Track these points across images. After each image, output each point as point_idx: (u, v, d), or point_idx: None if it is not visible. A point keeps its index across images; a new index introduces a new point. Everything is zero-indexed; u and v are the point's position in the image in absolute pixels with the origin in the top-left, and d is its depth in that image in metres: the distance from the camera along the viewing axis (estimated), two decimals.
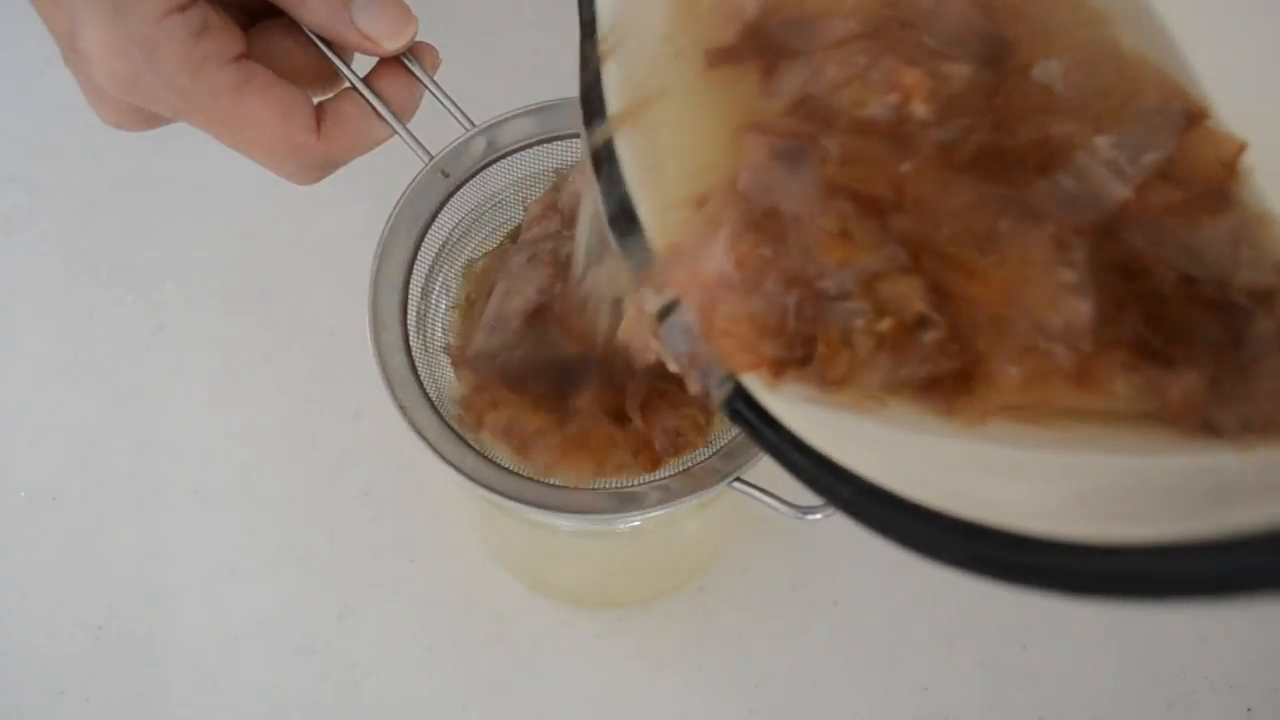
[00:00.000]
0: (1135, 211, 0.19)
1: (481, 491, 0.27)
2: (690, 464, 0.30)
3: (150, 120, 0.29)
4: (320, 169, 0.30)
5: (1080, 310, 0.18)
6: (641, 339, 0.27)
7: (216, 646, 0.40)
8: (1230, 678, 0.39)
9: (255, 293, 0.47)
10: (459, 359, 0.32)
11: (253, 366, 0.45)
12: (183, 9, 0.26)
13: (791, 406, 0.18)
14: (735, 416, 0.19)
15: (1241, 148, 0.19)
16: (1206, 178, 0.19)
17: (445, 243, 0.32)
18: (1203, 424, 0.18)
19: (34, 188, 0.50)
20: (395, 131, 0.30)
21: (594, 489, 0.29)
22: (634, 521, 0.31)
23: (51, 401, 0.45)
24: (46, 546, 0.42)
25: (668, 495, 0.27)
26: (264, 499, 0.43)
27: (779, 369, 0.18)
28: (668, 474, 0.29)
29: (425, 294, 0.32)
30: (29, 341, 0.46)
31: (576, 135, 0.32)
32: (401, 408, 0.28)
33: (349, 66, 0.29)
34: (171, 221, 0.49)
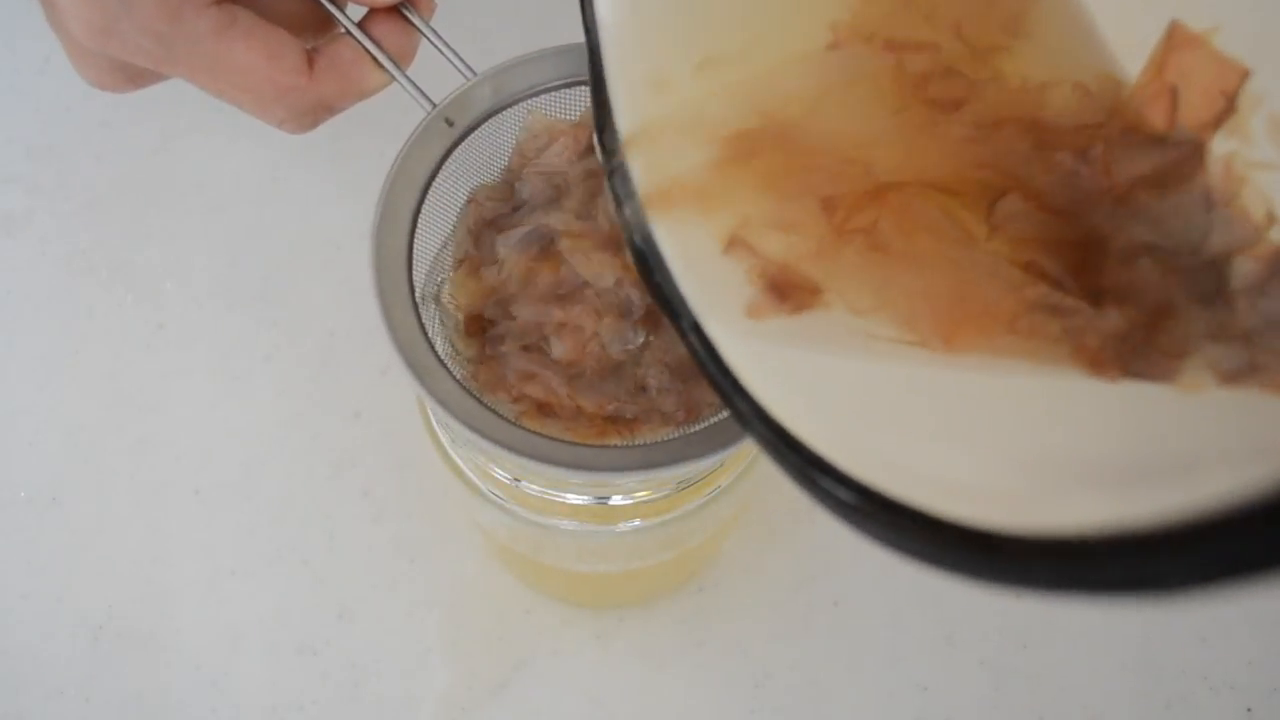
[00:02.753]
0: (1103, 189, 0.18)
1: (499, 450, 0.25)
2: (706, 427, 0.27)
3: (134, 77, 0.28)
4: (313, 114, 0.28)
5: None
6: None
7: (216, 646, 0.40)
8: (1230, 678, 0.39)
9: (255, 293, 0.47)
10: (466, 318, 0.30)
11: (253, 366, 0.45)
12: None
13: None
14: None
15: (1244, 74, 0.17)
16: (1204, 113, 0.18)
17: (450, 195, 0.30)
18: (1124, 373, 0.17)
19: (34, 188, 0.50)
20: (393, 77, 0.28)
21: (617, 447, 0.27)
22: (635, 521, 0.31)
23: (51, 401, 0.45)
24: (46, 546, 0.42)
25: (683, 453, 0.25)
26: (264, 499, 0.43)
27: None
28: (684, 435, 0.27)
29: (439, 250, 0.30)
30: (29, 341, 0.46)
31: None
32: (401, 349, 0.26)
33: (343, 11, 0.28)
34: (171, 221, 0.49)
